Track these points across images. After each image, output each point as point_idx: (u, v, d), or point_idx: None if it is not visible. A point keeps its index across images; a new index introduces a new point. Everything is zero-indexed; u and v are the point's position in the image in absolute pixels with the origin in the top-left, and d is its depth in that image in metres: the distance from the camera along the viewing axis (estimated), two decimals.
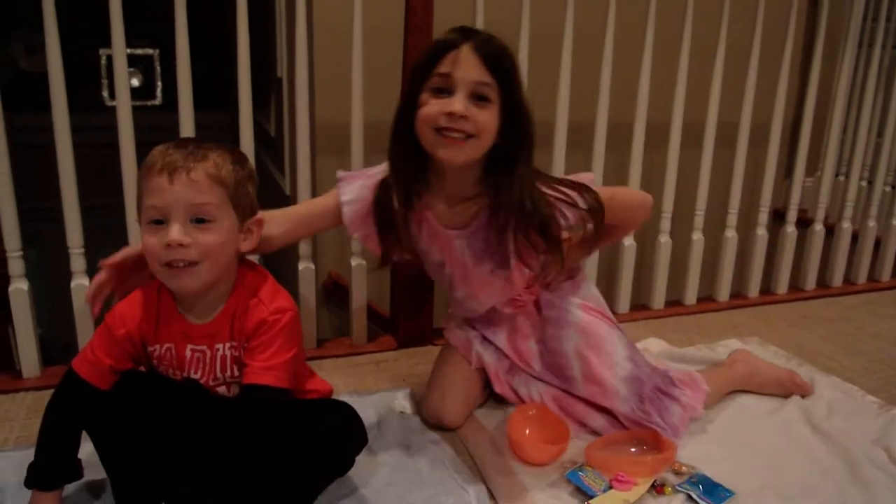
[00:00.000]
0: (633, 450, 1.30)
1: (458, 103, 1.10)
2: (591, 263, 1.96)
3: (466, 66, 1.10)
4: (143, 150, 1.11)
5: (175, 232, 0.98)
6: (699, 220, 2.09)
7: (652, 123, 1.93)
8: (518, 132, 1.16)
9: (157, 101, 4.26)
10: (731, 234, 2.14)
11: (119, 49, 1.46)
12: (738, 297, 2.22)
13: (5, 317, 2.05)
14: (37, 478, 1.06)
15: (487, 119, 1.12)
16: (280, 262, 1.94)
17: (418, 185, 1.22)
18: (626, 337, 1.41)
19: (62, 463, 1.08)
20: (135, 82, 4.07)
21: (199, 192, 0.99)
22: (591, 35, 1.81)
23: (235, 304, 1.07)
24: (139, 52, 3.97)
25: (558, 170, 1.81)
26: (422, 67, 1.14)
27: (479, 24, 1.67)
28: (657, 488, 1.20)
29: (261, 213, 1.10)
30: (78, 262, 1.53)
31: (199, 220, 1.00)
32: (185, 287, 1.02)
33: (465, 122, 1.11)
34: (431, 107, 1.12)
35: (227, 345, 1.08)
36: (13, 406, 1.44)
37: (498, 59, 1.12)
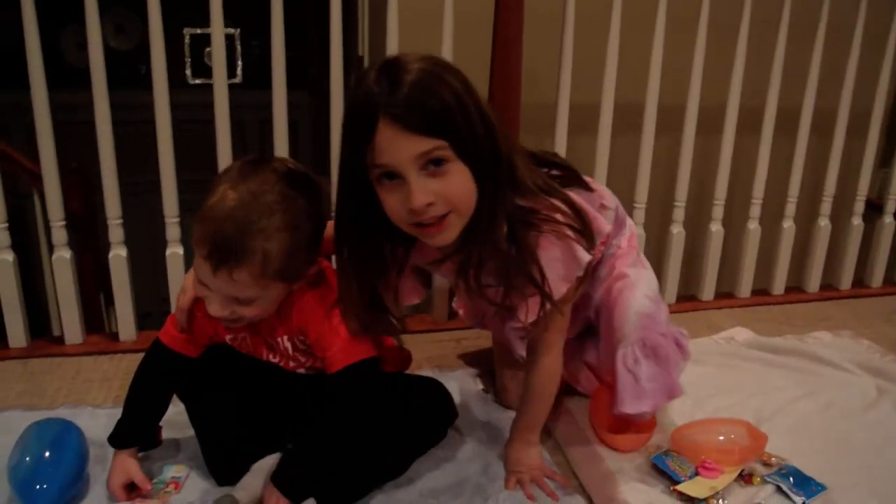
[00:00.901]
0: (720, 438, 1.26)
1: (416, 197, 0.91)
2: (676, 250, 1.92)
3: (397, 147, 0.90)
4: None
5: (215, 310, 1.00)
6: (791, 209, 2.02)
7: (744, 108, 1.87)
8: (487, 170, 0.96)
9: (238, 80, 4.38)
10: (823, 223, 2.07)
11: (217, 34, 1.50)
12: (829, 288, 2.14)
13: (97, 283, 2.16)
14: (114, 436, 1.12)
15: (454, 185, 0.93)
16: None
17: (391, 253, 1.08)
18: (655, 280, 1.27)
19: (139, 427, 1.14)
20: None
21: (238, 289, 0.97)
22: (682, 17, 1.76)
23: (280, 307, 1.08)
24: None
25: (602, 153, 1.78)
26: (351, 151, 0.95)
27: (570, 6, 1.65)
28: (745, 478, 1.18)
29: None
30: (173, 230, 1.58)
31: (239, 301, 1.00)
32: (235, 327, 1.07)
33: (435, 209, 0.93)
34: (389, 198, 0.95)
35: (286, 337, 1.11)
36: (111, 367, 1.52)
37: (429, 116, 0.89)
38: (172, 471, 1.16)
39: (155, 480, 1.13)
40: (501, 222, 1.00)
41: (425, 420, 1.16)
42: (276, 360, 1.14)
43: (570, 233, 1.03)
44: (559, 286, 1.06)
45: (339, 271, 1.06)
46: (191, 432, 1.17)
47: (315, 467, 1.05)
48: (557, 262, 1.04)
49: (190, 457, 1.19)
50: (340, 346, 1.05)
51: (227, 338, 1.13)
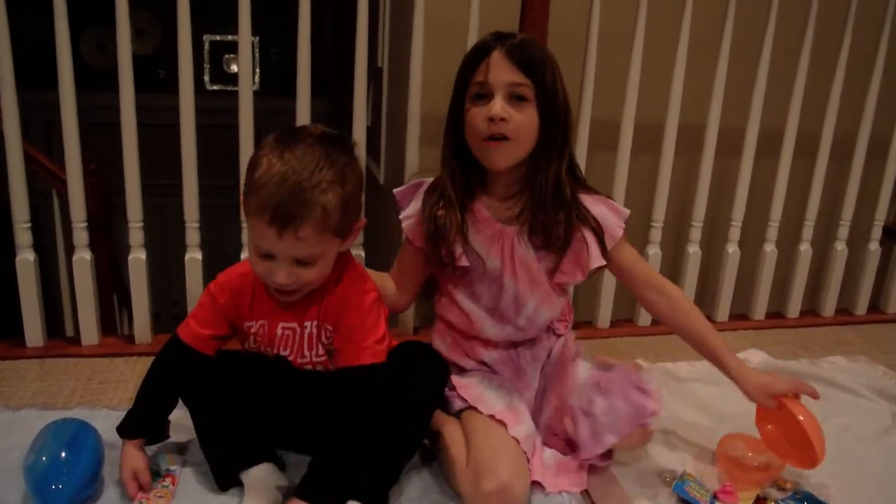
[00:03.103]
0: (749, 454, 1.26)
1: (496, 106, 1.15)
2: (692, 270, 1.92)
3: (499, 70, 1.16)
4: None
5: (281, 278, 1.03)
6: (808, 232, 2.02)
7: (764, 130, 1.87)
8: (553, 128, 1.19)
9: (256, 87, 4.42)
10: (840, 247, 2.06)
11: (245, 43, 1.51)
12: (844, 313, 2.13)
13: (111, 285, 2.18)
14: (123, 426, 1.14)
15: (525, 118, 1.17)
16: (375, 250, 1.97)
17: (470, 182, 1.26)
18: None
19: (149, 419, 1.16)
20: (234, 68, 4.22)
21: (304, 246, 1.01)
22: (704, 38, 1.77)
23: (323, 286, 1.11)
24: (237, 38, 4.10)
25: (621, 172, 1.79)
26: (460, 78, 1.22)
27: (595, 21, 1.66)
28: (759, 501, 1.18)
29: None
30: (193, 235, 1.59)
31: (303, 263, 1.03)
32: (286, 299, 1.09)
33: (505, 125, 1.16)
34: (474, 116, 1.18)
35: (314, 323, 1.12)
36: (127, 369, 1.52)
37: (529, 58, 1.16)
38: (166, 462, 1.17)
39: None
40: (553, 175, 1.21)
41: (424, 385, 1.16)
42: (286, 353, 1.14)
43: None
44: (615, 231, 1.27)
45: (429, 192, 1.28)
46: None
47: (345, 471, 1.05)
48: (605, 214, 1.26)
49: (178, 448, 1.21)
50: (372, 344, 1.09)
51: (246, 324, 1.14)
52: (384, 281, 1.36)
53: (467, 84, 1.20)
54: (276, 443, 1.18)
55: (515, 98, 1.16)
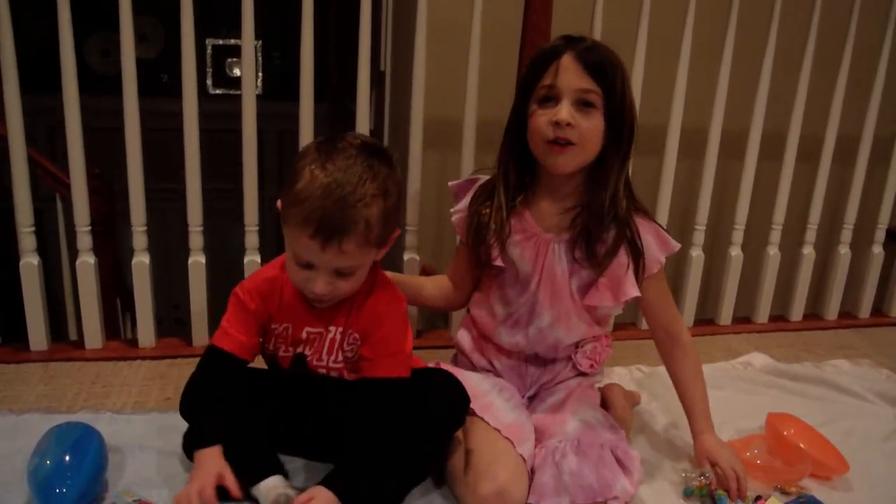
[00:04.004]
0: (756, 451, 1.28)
1: (563, 111, 1.13)
2: (695, 273, 1.92)
3: (569, 75, 1.14)
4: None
5: (320, 287, 1.04)
6: (811, 235, 2.02)
7: (767, 133, 1.88)
8: (619, 137, 1.17)
9: (259, 91, 4.42)
10: (843, 250, 2.06)
11: (248, 47, 1.51)
12: (848, 316, 2.13)
13: (113, 289, 2.18)
14: (198, 437, 1.09)
15: (592, 125, 1.15)
16: None
17: (523, 186, 1.25)
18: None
19: (220, 426, 1.10)
20: (237, 72, 4.22)
21: (346, 259, 1.02)
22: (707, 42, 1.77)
23: (354, 293, 1.11)
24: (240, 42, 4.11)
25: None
26: (527, 80, 1.19)
27: (598, 24, 1.66)
28: (759, 501, 1.17)
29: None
30: (196, 239, 1.59)
31: (342, 274, 1.05)
32: (320, 305, 1.10)
33: (571, 130, 1.14)
34: (539, 118, 1.17)
35: (339, 329, 1.12)
36: (131, 373, 1.52)
37: (600, 65, 1.14)
38: (123, 499, 1.07)
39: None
40: (612, 187, 1.19)
41: (445, 412, 1.15)
42: (307, 353, 1.15)
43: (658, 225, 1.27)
44: (652, 264, 1.24)
45: (481, 188, 1.29)
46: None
47: (369, 477, 1.05)
48: (650, 244, 1.23)
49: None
50: (401, 356, 1.11)
51: (272, 326, 1.14)
52: (441, 282, 1.40)
53: (534, 86, 1.18)
54: (282, 448, 1.18)
55: (583, 104, 1.14)
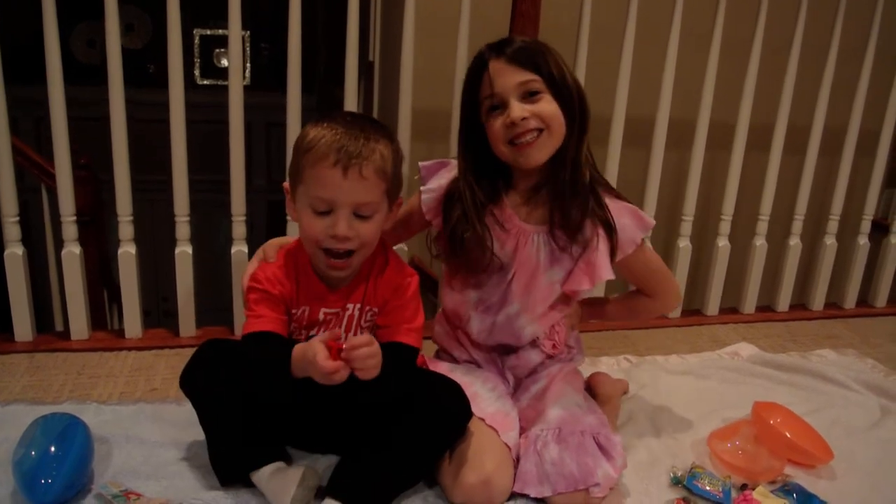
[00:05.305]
0: (738, 443, 1.28)
1: (514, 110, 1.14)
2: (682, 264, 1.92)
3: (503, 77, 1.15)
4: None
5: (342, 228, 1.04)
6: (797, 226, 2.03)
7: (754, 125, 1.88)
8: (571, 111, 1.18)
9: (246, 82, 4.40)
10: (829, 241, 2.08)
11: (235, 37, 1.51)
12: (834, 307, 2.15)
13: (100, 279, 2.17)
14: (283, 348, 1.05)
15: (548, 108, 1.15)
16: None
17: (496, 190, 1.24)
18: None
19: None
20: (224, 62, 4.20)
21: (366, 190, 1.04)
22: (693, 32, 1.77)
23: (369, 268, 1.13)
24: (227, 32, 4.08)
25: (612, 167, 1.79)
26: (467, 97, 1.21)
27: (586, 12, 1.66)
28: (745, 489, 1.18)
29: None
30: (183, 229, 1.59)
31: (360, 215, 1.05)
32: (338, 272, 1.10)
33: (529, 122, 1.15)
34: (495, 125, 1.17)
35: (357, 306, 1.13)
36: (117, 363, 1.52)
37: (526, 53, 1.15)
38: (110, 489, 1.07)
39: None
40: (571, 156, 1.19)
41: (446, 418, 1.13)
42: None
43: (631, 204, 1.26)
44: (628, 245, 1.24)
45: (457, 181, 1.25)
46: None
47: (373, 473, 1.07)
48: (625, 225, 1.23)
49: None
50: (414, 325, 1.13)
51: (293, 311, 1.14)
52: None
53: (477, 101, 1.19)
54: (288, 440, 1.19)
55: (529, 95, 1.15)
